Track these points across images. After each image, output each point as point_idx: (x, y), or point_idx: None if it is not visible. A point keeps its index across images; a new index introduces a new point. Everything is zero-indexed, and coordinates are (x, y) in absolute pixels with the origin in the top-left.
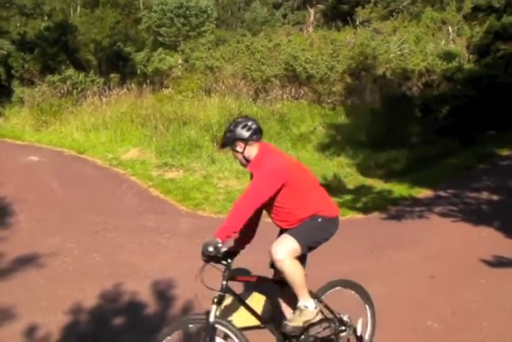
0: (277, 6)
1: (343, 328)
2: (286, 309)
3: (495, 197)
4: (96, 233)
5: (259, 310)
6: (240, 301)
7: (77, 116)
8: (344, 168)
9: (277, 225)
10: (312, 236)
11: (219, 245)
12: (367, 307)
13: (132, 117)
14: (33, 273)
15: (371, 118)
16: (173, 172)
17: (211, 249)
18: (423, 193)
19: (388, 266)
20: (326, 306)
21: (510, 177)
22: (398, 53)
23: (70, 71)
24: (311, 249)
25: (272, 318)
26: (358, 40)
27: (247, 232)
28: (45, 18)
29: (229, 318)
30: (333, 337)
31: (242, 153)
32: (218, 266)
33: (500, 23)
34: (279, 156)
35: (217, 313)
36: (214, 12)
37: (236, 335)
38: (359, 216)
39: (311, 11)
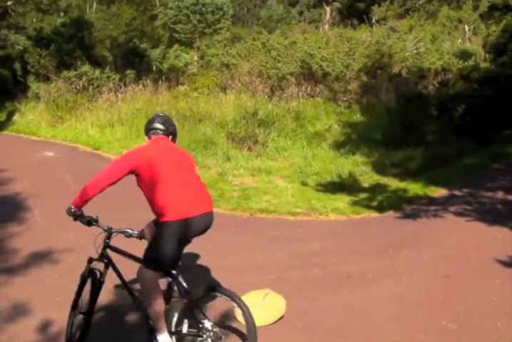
0: (292, 4)
1: (200, 333)
2: None
3: (510, 197)
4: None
5: None
6: (113, 267)
7: (92, 112)
8: (359, 166)
9: None
10: (160, 250)
11: (72, 210)
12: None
13: (148, 113)
14: (48, 268)
15: (387, 117)
16: None
17: (67, 211)
18: (439, 192)
19: (403, 265)
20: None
21: None
22: (414, 51)
23: (86, 67)
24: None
25: None
26: (374, 38)
27: None
28: (62, 14)
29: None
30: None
31: None
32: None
33: None
34: (147, 146)
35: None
36: (230, 9)
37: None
38: (374, 214)
39: (328, 8)
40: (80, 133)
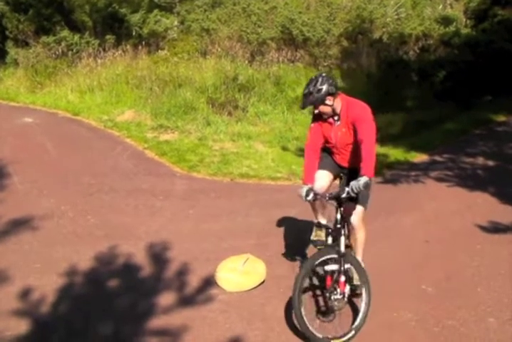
0: None
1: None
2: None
3: (490, 163)
4: (91, 195)
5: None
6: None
7: (72, 78)
8: None
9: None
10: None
11: (370, 181)
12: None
13: (128, 78)
14: (27, 235)
15: (368, 82)
16: (168, 134)
17: (366, 185)
18: (419, 157)
19: (383, 230)
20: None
21: (505, 142)
22: (395, 17)
23: (65, 32)
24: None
25: None
26: (355, 3)
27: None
28: None
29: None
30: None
31: (332, 105)
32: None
33: None
34: (359, 101)
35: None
36: None
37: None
38: None
39: None
40: (59, 99)
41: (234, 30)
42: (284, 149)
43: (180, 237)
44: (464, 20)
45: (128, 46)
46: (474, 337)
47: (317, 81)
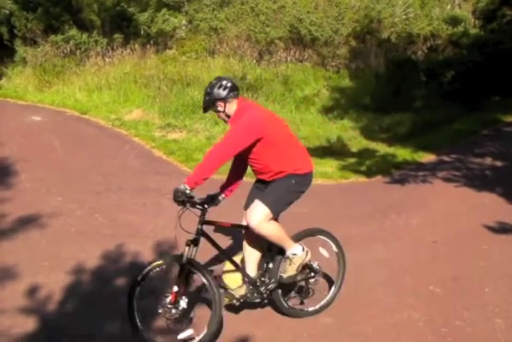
0: None
1: (312, 274)
2: (250, 255)
3: (498, 163)
4: (98, 193)
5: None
6: (214, 245)
7: (80, 76)
8: (347, 131)
9: (255, 176)
10: (283, 199)
11: (188, 191)
12: (338, 254)
13: (136, 77)
14: (35, 233)
15: (376, 82)
16: (176, 133)
17: (179, 194)
18: (427, 157)
19: (391, 230)
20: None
21: None
22: (404, 17)
23: (74, 31)
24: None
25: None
26: (363, 3)
27: (231, 180)
28: None
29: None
30: (303, 283)
31: (224, 112)
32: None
33: None
34: (256, 111)
35: (192, 255)
36: None
37: (204, 276)
38: (362, 179)
39: None
40: (67, 97)
41: (242, 30)
42: None
43: (187, 236)
44: (473, 20)
45: (136, 45)
46: (481, 337)
47: (209, 85)
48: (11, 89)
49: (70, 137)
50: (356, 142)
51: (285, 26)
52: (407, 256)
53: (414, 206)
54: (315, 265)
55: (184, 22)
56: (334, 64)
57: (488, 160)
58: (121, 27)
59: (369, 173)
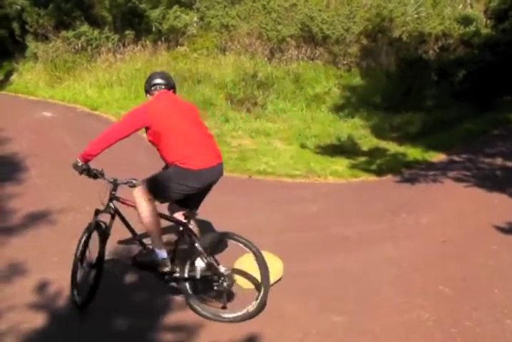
0: None
1: (215, 278)
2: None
3: (509, 163)
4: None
5: None
6: (120, 217)
7: (91, 72)
8: (358, 130)
9: None
10: (165, 184)
11: (79, 164)
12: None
13: (147, 74)
14: (45, 229)
15: (387, 80)
16: None
17: (74, 166)
18: (438, 157)
19: (401, 229)
20: (208, 255)
21: None
22: (415, 16)
23: (85, 27)
24: (173, 199)
25: None
26: (375, 1)
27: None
28: None
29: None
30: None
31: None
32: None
33: None
34: (154, 101)
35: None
36: None
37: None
38: (373, 178)
39: None
40: (78, 93)
41: (253, 27)
42: (303, 146)
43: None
44: (484, 20)
45: (148, 42)
46: (490, 338)
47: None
48: (21, 84)
49: (80, 133)
50: (367, 140)
51: (297, 24)
52: (417, 255)
53: (424, 206)
54: (223, 269)
55: (195, 19)
56: (345, 62)
57: (499, 160)
58: (132, 23)
59: (379, 172)
